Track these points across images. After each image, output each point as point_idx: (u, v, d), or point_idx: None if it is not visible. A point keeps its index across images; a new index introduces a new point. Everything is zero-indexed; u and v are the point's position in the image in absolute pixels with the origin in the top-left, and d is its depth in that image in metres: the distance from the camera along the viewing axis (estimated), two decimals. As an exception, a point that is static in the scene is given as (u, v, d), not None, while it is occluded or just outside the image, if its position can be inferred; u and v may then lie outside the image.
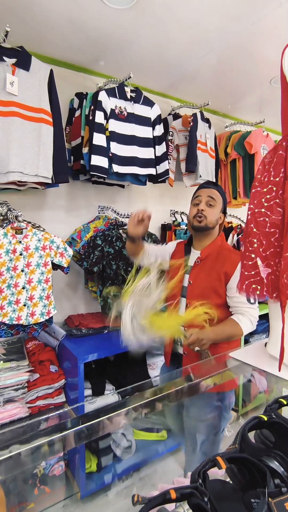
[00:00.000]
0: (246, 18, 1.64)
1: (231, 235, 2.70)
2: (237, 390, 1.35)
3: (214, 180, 2.48)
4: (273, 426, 0.54)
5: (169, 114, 2.47)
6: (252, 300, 1.32)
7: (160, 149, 2.06)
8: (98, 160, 1.78)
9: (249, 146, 2.52)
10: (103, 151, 1.81)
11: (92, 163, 1.76)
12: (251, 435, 0.64)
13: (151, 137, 2.01)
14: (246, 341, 2.48)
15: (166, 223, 2.56)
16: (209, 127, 2.42)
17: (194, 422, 1.39)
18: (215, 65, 2.09)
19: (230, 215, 2.96)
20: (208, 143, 2.36)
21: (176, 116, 2.42)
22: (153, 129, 2.03)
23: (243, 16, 1.62)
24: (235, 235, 2.68)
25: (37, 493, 1.64)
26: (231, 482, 0.50)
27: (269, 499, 0.36)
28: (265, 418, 0.52)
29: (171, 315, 1.25)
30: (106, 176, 1.85)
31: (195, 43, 1.84)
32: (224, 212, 1.50)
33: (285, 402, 0.58)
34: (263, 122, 2.71)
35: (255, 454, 0.47)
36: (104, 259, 1.88)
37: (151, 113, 2.01)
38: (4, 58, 1.47)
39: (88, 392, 1.80)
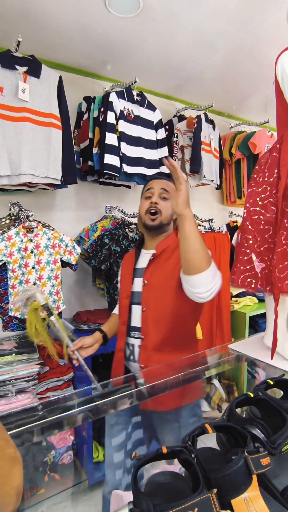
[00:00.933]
0: (249, 21, 1.69)
1: (235, 234, 2.74)
2: (238, 380, 1.39)
3: (218, 180, 2.53)
4: (259, 403, 0.60)
5: (174, 116, 2.53)
6: None
7: (162, 152, 2.13)
8: (111, 159, 1.85)
9: (253, 146, 2.56)
10: (115, 150, 1.88)
11: (105, 161, 1.83)
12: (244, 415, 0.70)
13: (155, 139, 2.08)
14: (251, 338, 2.52)
15: (171, 223, 2.62)
16: (213, 128, 2.47)
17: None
18: (220, 67, 2.14)
19: (235, 214, 3.00)
20: (212, 144, 2.41)
21: (181, 118, 2.48)
22: (156, 132, 2.09)
23: (246, 19, 1.67)
24: (240, 236, 2.73)
25: (47, 480, 1.72)
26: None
27: (247, 454, 0.43)
28: (252, 395, 0.58)
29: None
30: (117, 175, 1.92)
31: (199, 46, 1.90)
32: None
33: (271, 383, 0.64)
34: (268, 122, 2.74)
35: (240, 424, 0.53)
36: (111, 257, 1.95)
37: (154, 117, 2.08)
38: (17, 66, 1.56)
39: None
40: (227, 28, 1.73)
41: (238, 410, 0.64)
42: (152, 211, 1.22)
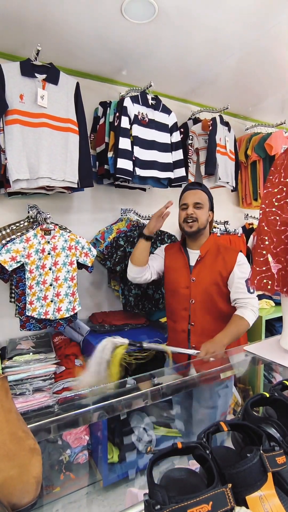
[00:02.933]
0: (264, 23, 1.68)
1: (251, 237, 2.71)
2: (254, 385, 1.37)
3: (234, 182, 2.51)
4: (275, 403, 0.60)
5: (189, 118, 2.53)
6: (251, 290, 1.43)
7: (176, 155, 2.13)
8: (124, 163, 1.88)
9: (269, 148, 2.54)
10: (128, 154, 1.90)
11: (118, 166, 1.86)
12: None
13: (169, 142, 2.09)
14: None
15: (186, 225, 2.62)
16: (229, 130, 2.46)
17: (198, 408, 1.45)
18: (235, 69, 2.14)
19: (251, 216, 2.97)
20: (228, 146, 2.40)
21: (196, 121, 2.49)
22: (171, 135, 2.11)
23: (262, 21, 1.67)
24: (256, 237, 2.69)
25: (63, 478, 1.74)
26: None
27: (262, 452, 0.43)
28: (267, 395, 0.58)
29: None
30: (130, 179, 1.94)
31: (214, 49, 1.90)
32: (212, 209, 1.59)
33: (288, 384, 0.63)
34: (284, 123, 2.71)
35: (255, 423, 0.53)
36: (126, 259, 1.97)
37: (169, 120, 2.09)
38: (36, 74, 1.61)
39: (110, 385, 1.89)
40: (243, 29, 1.73)
41: (254, 412, 0.64)
42: (189, 220, 1.50)
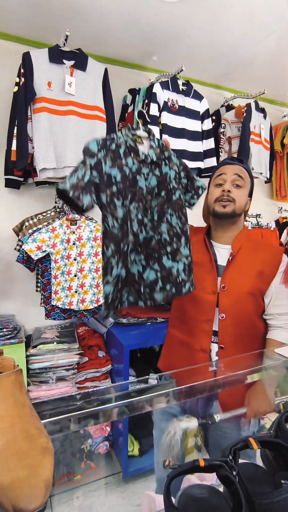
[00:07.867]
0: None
1: (285, 231, 2.56)
2: (283, 388, 1.28)
3: (268, 173, 2.36)
4: (313, 419, 0.52)
5: (222, 105, 2.41)
6: None
7: (207, 144, 2.03)
8: None
9: (309, 136, 2.35)
10: None
11: None
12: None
13: (200, 130, 2.00)
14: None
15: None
16: (264, 117, 2.30)
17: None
18: (273, 49, 1.98)
19: (285, 210, 2.80)
20: (263, 134, 2.26)
21: (229, 108, 2.36)
22: (202, 123, 2.00)
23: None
24: (291, 231, 2.53)
25: (84, 467, 1.76)
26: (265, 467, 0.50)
27: (299, 480, 0.36)
28: (305, 409, 0.51)
29: None
30: None
31: (250, 28, 1.76)
32: (250, 196, 1.19)
33: None
34: None
35: (290, 441, 0.46)
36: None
37: (200, 107, 1.99)
38: (64, 61, 1.58)
39: (132, 378, 1.87)
40: (282, 4, 1.58)
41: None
42: (223, 199, 1.08)
